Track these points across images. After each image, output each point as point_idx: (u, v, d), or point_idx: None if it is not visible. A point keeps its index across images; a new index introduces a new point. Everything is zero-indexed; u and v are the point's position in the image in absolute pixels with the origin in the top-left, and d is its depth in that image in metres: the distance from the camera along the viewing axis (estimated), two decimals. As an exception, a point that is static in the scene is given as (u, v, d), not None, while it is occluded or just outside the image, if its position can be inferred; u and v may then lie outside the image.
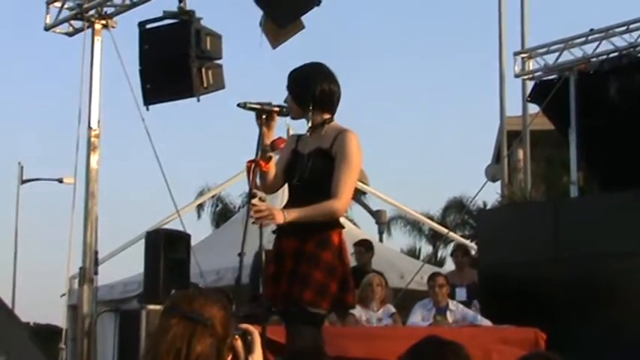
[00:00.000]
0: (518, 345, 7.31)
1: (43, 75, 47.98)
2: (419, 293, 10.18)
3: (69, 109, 11.33)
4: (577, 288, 8.47)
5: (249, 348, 2.69)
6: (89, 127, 10.28)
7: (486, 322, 8.17)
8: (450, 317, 8.29)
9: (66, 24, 10.76)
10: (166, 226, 11.36)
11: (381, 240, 22.16)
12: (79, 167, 10.24)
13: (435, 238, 26.65)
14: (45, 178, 25.56)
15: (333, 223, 4.90)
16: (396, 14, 43.43)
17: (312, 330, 4.86)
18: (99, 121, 10.35)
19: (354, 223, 19.55)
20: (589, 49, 11.57)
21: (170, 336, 2.53)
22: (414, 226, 28.00)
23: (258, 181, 4.84)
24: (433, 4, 42.16)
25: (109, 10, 10.45)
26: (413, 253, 26.45)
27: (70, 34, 10.79)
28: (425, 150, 40.68)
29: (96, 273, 10.11)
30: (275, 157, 5.00)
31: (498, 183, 13.03)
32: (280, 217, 4.69)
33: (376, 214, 24.73)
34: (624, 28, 11.18)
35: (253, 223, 4.63)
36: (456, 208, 26.37)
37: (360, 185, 13.32)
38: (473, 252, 11.18)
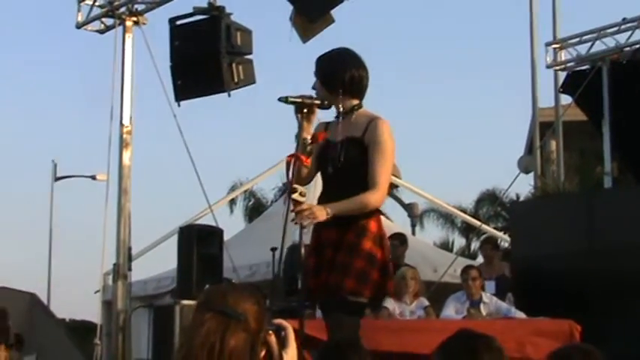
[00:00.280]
0: (553, 337, 7.25)
1: (75, 72, 48.31)
2: (452, 286, 10.15)
3: (101, 107, 11.40)
4: (611, 279, 8.38)
5: (283, 343, 2.67)
6: (121, 124, 10.35)
7: (520, 315, 8.12)
8: (483, 310, 8.25)
9: (97, 21, 10.84)
10: (199, 222, 11.41)
11: (413, 233, 22.08)
12: (112, 164, 10.34)
13: (467, 230, 26.53)
14: (78, 175, 25.79)
15: (371, 211, 4.89)
16: (430, 5, 43.31)
17: (353, 321, 4.82)
18: (131, 118, 10.42)
19: (387, 217, 19.48)
20: (622, 38, 11.48)
21: (204, 331, 2.53)
22: (447, 218, 27.84)
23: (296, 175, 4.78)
24: (466, -4, 41.92)
25: (140, 7, 10.52)
26: (446, 246, 26.34)
27: (101, 32, 10.87)
28: (457, 142, 40.52)
29: (130, 269, 10.18)
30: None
31: (531, 175, 12.95)
32: (322, 216, 4.67)
33: (409, 207, 24.67)
34: (657, 16, 11.10)
35: (294, 222, 4.60)
36: (489, 200, 26.18)
37: (393, 179, 13.27)
38: (505, 244, 11.11)
